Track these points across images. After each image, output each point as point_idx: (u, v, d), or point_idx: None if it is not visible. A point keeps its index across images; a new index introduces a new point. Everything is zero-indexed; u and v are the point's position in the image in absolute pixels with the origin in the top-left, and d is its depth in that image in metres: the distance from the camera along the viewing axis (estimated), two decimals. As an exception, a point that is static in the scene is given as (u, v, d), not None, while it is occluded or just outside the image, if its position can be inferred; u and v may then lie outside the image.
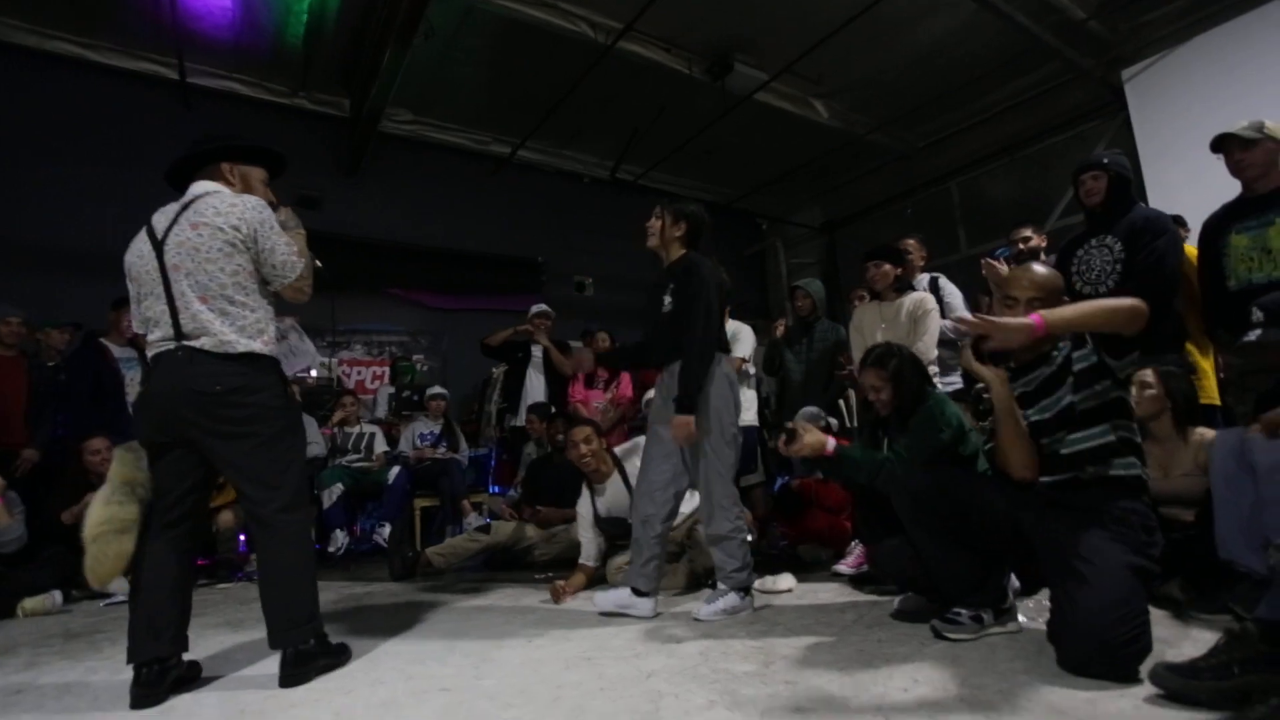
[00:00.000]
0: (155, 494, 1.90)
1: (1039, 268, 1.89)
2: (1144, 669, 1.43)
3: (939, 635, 1.87)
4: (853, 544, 3.02)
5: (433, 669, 1.89)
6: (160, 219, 1.91)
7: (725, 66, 5.62)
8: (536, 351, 5.06)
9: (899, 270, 3.34)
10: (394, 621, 2.56)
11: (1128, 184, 2.87)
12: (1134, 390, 2.34)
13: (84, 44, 5.04)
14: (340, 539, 4.34)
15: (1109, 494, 1.68)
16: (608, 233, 7.66)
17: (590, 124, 6.55)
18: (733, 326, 3.71)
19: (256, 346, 1.86)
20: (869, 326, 3.40)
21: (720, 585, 2.38)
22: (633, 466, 3.19)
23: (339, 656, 1.96)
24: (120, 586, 3.26)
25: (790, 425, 2.32)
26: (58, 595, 3.13)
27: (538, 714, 1.49)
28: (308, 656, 1.84)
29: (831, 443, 2.25)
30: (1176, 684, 1.32)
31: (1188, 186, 3.51)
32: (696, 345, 2.36)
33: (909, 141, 7.12)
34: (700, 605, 2.35)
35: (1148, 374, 2.40)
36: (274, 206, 2.01)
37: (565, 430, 3.36)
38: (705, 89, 5.84)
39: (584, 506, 3.18)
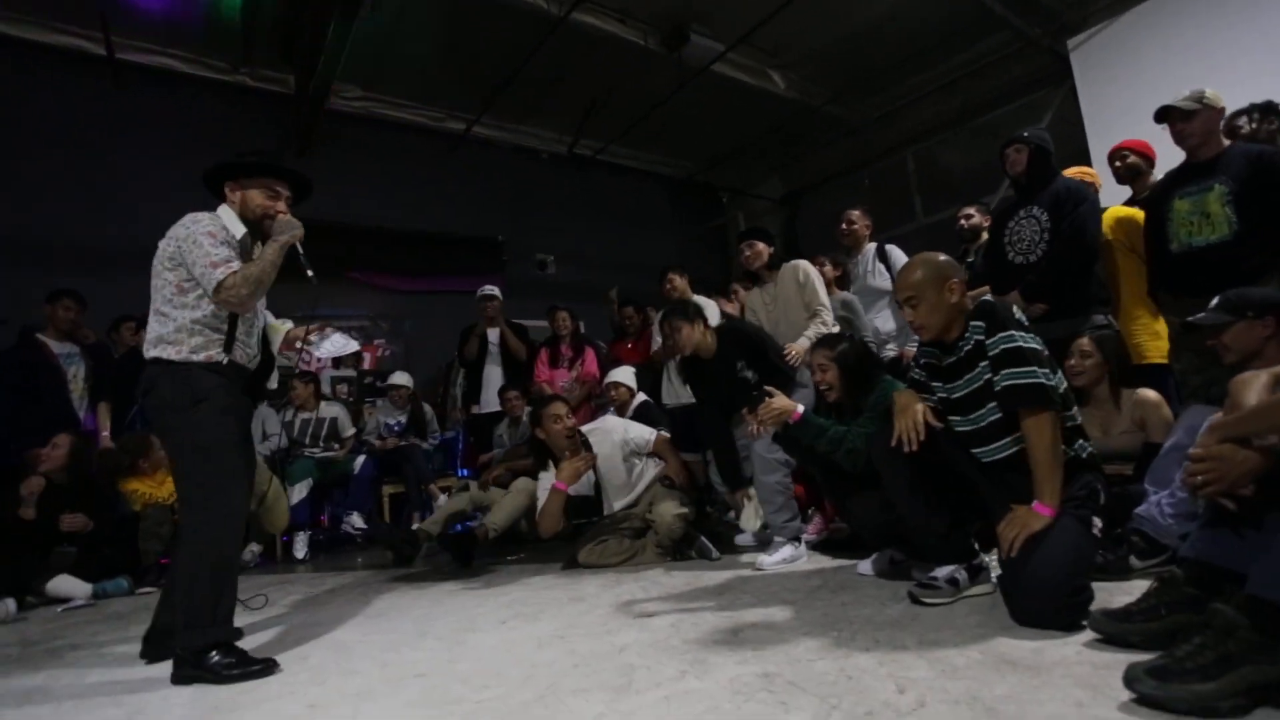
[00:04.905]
0: None
1: (908, 270, 1.97)
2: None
3: (917, 602, 1.84)
4: (810, 511, 3.09)
5: (406, 656, 1.89)
6: None
7: (681, 37, 5.56)
8: (493, 337, 4.85)
9: (772, 248, 3.50)
10: (366, 611, 2.56)
11: (1048, 155, 3.00)
12: (1075, 359, 2.45)
13: (-2, 17, 4.71)
14: (303, 542, 4.25)
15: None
16: (568, 210, 7.57)
17: (547, 98, 6.42)
18: (699, 302, 3.79)
19: (164, 353, 1.95)
20: (760, 309, 3.52)
21: (776, 538, 2.75)
22: (597, 445, 3.20)
23: (244, 668, 1.81)
24: (82, 591, 3.21)
25: (765, 389, 2.37)
26: (11, 604, 3.03)
27: (511, 693, 1.51)
28: (194, 659, 1.80)
29: (801, 407, 2.30)
30: (1111, 628, 1.41)
31: (1132, 153, 3.65)
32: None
33: (864, 112, 7.17)
34: (760, 556, 2.68)
35: (1085, 343, 2.49)
36: (271, 217, 2.15)
37: (535, 406, 3.38)
38: (662, 61, 5.77)
39: (547, 480, 3.09)
